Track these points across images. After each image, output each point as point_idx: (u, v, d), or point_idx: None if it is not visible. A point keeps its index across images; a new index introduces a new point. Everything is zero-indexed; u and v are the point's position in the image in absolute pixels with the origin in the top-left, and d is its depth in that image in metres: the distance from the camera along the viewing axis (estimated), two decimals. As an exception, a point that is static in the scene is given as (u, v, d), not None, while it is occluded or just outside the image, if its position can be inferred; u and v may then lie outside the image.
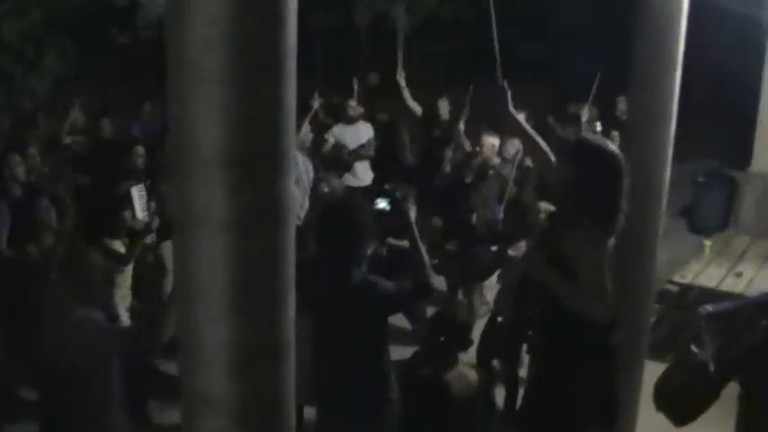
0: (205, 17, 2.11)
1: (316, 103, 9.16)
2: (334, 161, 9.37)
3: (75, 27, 8.58)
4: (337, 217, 4.53)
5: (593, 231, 3.84)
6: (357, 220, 4.46)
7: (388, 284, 4.47)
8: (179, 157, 2.24)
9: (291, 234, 2.37)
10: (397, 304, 4.73)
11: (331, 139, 9.60)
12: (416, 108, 10.22)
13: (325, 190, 5.60)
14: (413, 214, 4.80)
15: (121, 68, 15.86)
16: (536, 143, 4.24)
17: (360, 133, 9.75)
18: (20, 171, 7.19)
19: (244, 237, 2.24)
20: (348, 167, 9.49)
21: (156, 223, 6.70)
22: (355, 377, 4.48)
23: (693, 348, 4.70)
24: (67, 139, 8.97)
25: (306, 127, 8.80)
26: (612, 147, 4.03)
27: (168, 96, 2.25)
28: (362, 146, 9.66)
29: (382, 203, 4.91)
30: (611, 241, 3.92)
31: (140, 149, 8.11)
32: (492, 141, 8.47)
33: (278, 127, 2.25)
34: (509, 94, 4.21)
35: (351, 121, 9.70)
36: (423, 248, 4.59)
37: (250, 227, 2.24)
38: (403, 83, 10.20)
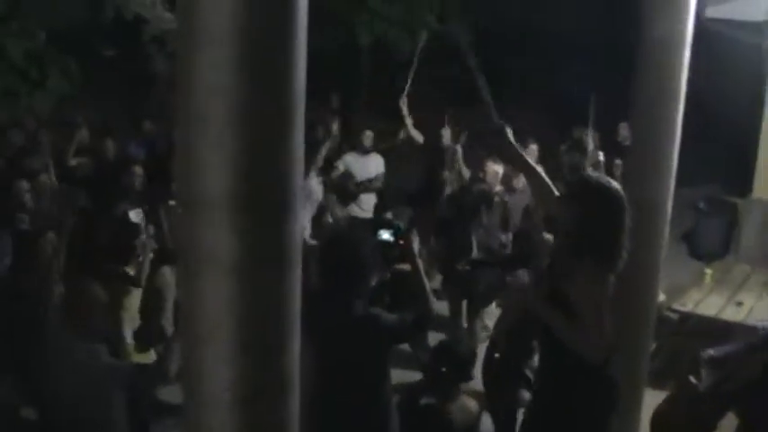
0: (212, 62, 2.12)
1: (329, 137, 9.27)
2: (341, 190, 9.34)
3: (78, 43, 8.61)
4: (340, 249, 4.52)
5: (595, 269, 3.82)
6: (360, 252, 4.46)
7: (390, 317, 4.46)
8: (186, 200, 2.26)
9: (297, 275, 2.38)
10: (399, 337, 4.73)
11: (341, 167, 9.56)
12: (418, 136, 10.18)
13: (329, 220, 5.51)
14: (416, 245, 4.80)
15: (122, 84, 15.90)
16: (539, 177, 4.25)
17: (370, 166, 9.69)
18: (27, 198, 7.06)
19: (249, 279, 2.25)
20: (354, 197, 9.44)
21: (152, 248, 6.68)
22: (357, 409, 4.46)
23: (692, 380, 4.72)
24: (73, 162, 8.98)
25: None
26: (615, 184, 4.00)
27: (176, 139, 2.28)
28: (371, 180, 9.59)
29: (385, 234, 4.91)
30: (612, 279, 3.89)
31: (138, 169, 8.06)
32: (496, 169, 8.44)
33: (284, 171, 2.26)
34: (509, 130, 4.23)
35: (364, 151, 9.67)
36: (425, 279, 4.59)
37: (256, 269, 2.25)
38: (405, 110, 10.16)
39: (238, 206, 2.19)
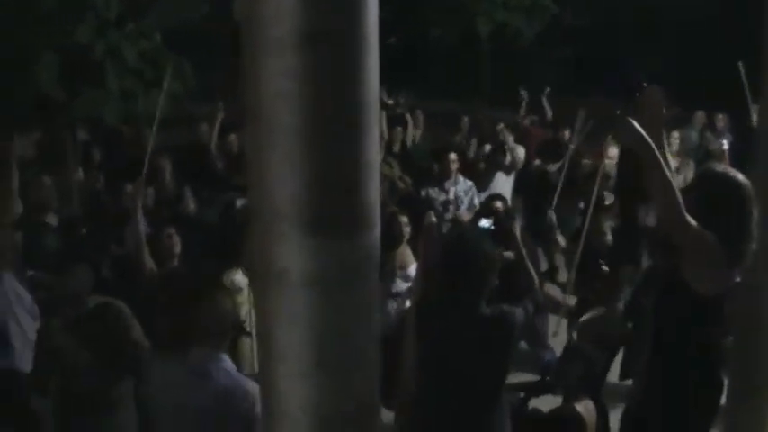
0: (279, 69, 2.01)
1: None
2: None
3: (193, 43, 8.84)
4: (466, 251, 4.38)
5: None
6: (486, 252, 4.34)
7: (517, 312, 4.34)
8: (258, 213, 2.16)
9: (375, 289, 2.25)
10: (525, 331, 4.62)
11: None
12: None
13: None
14: (517, 231, 4.69)
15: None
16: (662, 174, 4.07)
17: None
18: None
19: (325, 294, 2.14)
20: None
21: None
22: (477, 416, 4.33)
23: None
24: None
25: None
26: (739, 175, 3.89)
27: (247, 151, 2.18)
28: None
29: (486, 222, 4.82)
30: (737, 273, 3.82)
31: None
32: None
33: (359, 181, 2.13)
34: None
35: None
36: (529, 264, 4.49)
37: (331, 284, 2.14)
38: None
39: (311, 219, 2.07)
